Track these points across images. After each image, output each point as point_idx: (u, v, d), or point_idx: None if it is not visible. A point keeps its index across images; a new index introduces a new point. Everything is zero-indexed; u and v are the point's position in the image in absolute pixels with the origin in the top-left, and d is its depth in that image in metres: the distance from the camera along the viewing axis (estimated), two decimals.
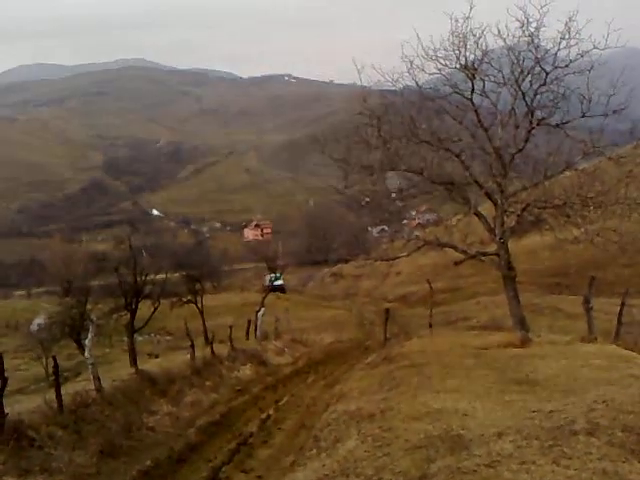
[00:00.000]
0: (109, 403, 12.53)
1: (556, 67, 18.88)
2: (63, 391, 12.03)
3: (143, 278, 21.35)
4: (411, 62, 19.86)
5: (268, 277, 77.69)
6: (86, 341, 14.79)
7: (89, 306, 26.49)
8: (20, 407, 12.34)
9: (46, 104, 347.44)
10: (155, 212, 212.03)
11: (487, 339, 16.48)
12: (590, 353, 11.20)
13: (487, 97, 20.06)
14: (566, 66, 18.78)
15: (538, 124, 19.37)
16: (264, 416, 13.86)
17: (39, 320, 43.54)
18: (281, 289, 74.12)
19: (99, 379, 13.58)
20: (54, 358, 12.31)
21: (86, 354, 14.52)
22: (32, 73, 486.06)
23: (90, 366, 13.91)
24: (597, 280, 17.66)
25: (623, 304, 16.21)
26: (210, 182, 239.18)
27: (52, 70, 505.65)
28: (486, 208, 21.91)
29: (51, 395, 11.72)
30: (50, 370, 12.72)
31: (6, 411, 9.82)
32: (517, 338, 15.20)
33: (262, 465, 10.09)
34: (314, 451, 8.33)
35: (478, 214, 20.59)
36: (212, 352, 20.54)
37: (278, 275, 79.69)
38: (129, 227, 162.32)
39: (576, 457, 5.24)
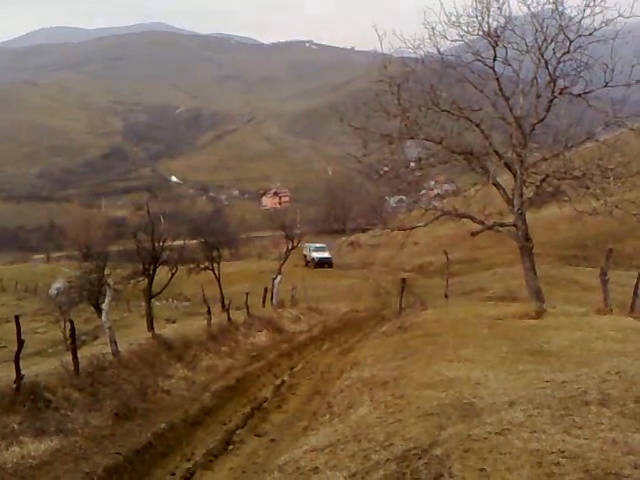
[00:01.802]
0: (125, 366, 12.68)
1: (580, 35, 18.56)
2: (80, 354, 12.20)
3: (161, 244, 21.47)
4: (433, 28, 19.62)
5: (308, 247, 64.47)
6: (103, 305, 14.94)
7: (107, 271, 26.69)
8: (37, 369, 12.57)
9: (66, 68, 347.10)
10: (174, 179, 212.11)
11: (502, 310, 16.49)
12: (605, 325, 11.17)
13: (509, 65, 19.79)
14: (590, 34, 18.45)
15: (560, 93, 19.10)
16: (279, 382, 14.02)
17: (58, 284, 43.99)
18: (328, 263, 63.33)
19: (116, 343, 13.73)
20: (71, 322, 12.48)
21: (103, 318, 14.69)
22: (52, 36, 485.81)
23: (107, 330, 14.05)
24: (614, 252, 17.54)
25: (639, 277, 16.09)
26: (229, 149, 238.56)
27: (72, 34, 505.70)
28: (505, 179, 21.74)
29: (68, 358, 11.88)
30: (68, 333, 12.89)
31: (22, 373, 9.97)
32: (532, 309, 15.19)
33: (276, 429, 10.23)
34: (327, 416, 8.43)
35: (497, 185, 20.43)
36: (228, 318, 20.70)
37: (322, 246, 67.49)
38: (148, 193, 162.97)
39: (587, 427, 5.26)
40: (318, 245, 66.39)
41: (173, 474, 8.36)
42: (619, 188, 18.36)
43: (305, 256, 64.92)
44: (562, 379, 7.14)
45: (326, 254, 64.47)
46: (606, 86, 18.28)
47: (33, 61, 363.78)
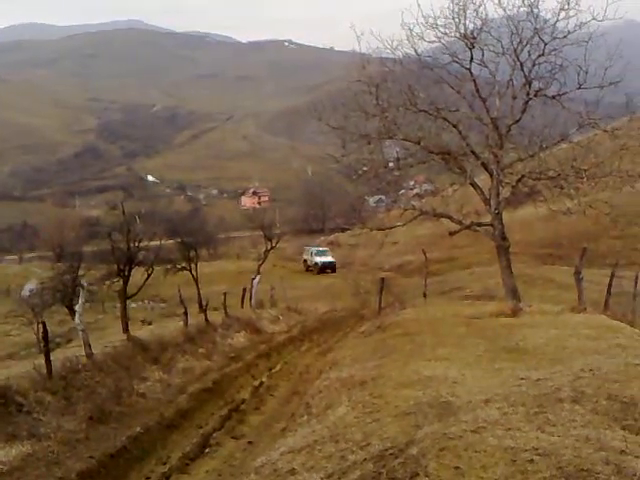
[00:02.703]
0: (99, 369, 12.54)
1: (554, 38, 18.86)
2: (53, 357, 11.97)
3: (136, 244, 21.29)
4: (411, 30, 19.79)
5: (310, 250, 61.93)
6: (77, 307, 14.78)
7: (81, 272, 26.42)
8: (9, 372, 12.32)
9: (39, 65, 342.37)
10: (150, 178, 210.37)
11: (480, 309, 16.60)
12: (579, 323, 11.31)
13: (486, 67, 20.01)
14: (564, 37, 18.76)
15: (535, 95, 19.37)
16: (257, 383, 14.01)
17: (31, 285, 43.58)
18: (331, 267, 58.38)
19: (90, 345, 13.55)
20: (44, 323, 12.31)
21: (76, 320, 14.51)
22: (25, 33, 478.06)
23: (80, 332, 13.88)
24: (589, 251, 17.75)
25: (613, 275, 16.33)
26: (207, 148, 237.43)
27: (45, 30, 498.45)
28: (482, 179, 21.94)
29: (41, 361, 11.70)
30: (40, 336, 12.73)
31: None
32: (509, 308, 15.32)
33: (253, 431, 10.22)
34: (305, 417, 8.44)
35: (474, 184, 20.62)
36: (206, 319, 20.59)
37: (324, 249, 62.36)
38: (123, 193, 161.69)
39: (560, 424, 5.32)
40: (320, 249, 61.85)
41: (148, 478, 8.32)
42: (593, 188, 18.66)
43: (305, 261, 62.23)
44: (537, 377, 7.21)
45: (329, 258, 59.83)
46: (580, 88, 18.57)
47: (5, 58, 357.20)
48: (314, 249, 61.34)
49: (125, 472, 8.43)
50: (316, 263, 58.87)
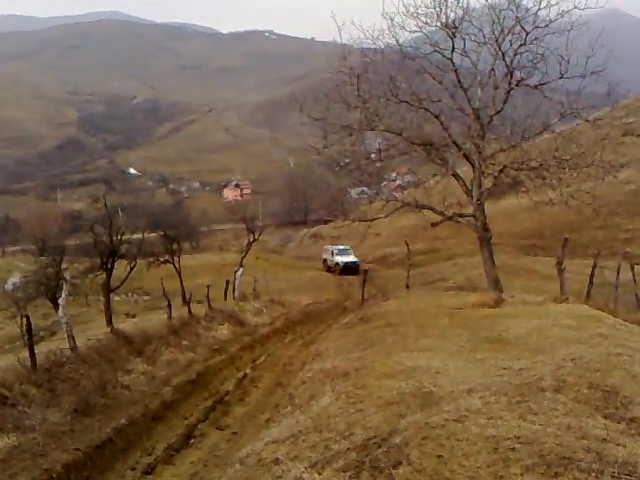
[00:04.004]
0: (84, 362, 12.48)
1: (536, 27, 18.91)
2: (38, 350, 11.93)
3: (119, 238, 21.16)
4: (392, 19, 19.76)
5: (330, 250, 56.38)
6: (60, 300, 14.69)
7: (64, 265, 26.23)
8: None
9: (19, 57, 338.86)
10: (132, 171, 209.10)
11: (462, 299, 16.70)
12: (561, 313, 11.38)
13: (467, 57, 20.06)
14: (546, 26, 18.81)
15: (517, 85, 19.43)
16: (241, 375, 13.98)
17: (14, 279, 43.33)
18: (354, 267, 50.28)
19: (73, 338, 13.49)
20: (27, 317, 12.22)
21: (60, 313, 14.43)
22: (5, 25, 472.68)
23: (64, 325, 13.80)
24: (571, 242, 17.88)
25: (595, 265, 16.44)
26: (189, 141, 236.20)
27: (26, 22, 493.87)
28: (464, 170, 22.01)
29: (25, 354, 11.64)
30: (24, 329, 12.65)
31: None
32: (491, 298, 15.42)
33: (237, 422, 10.21)
34: (289, 408, 8.44)
35: (456, 175, 20.68)
36: (189, 312, 20.53)
37: (346, 248, 54.91)
38: (105, 185, 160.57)
39: (542, 413, 5.36)
40: (342, 247, 55.39)
41: (134, 469, 8.29)
42: (575, 178, 18.76)
43: (325, 261, 57.77)
44: (519, 366, 7.26)
45: (352, 257, 53.84)
46: (562, 78, 18.65)
47: None
48: (335, 248, 55.88)
49: (110, 463, 8.41)
50: (337, 263, 53.96)
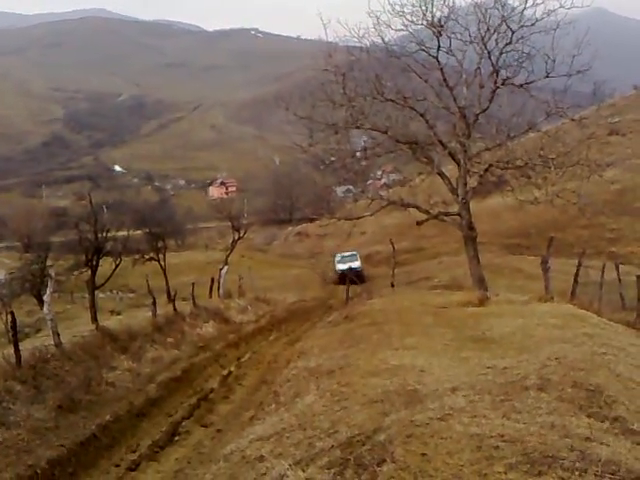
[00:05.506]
0: (68, 358, 12.42)
1: (522, 26, 18.97)
2: (22, 347, 11.87)
3: (104, 235, 21.05)
4: (377, 18, 19.77)
5: (335, 257, 49.89)
6: (45, 297, 14.61)
7: (49, 262, 26.05)
8: None
9: (3, 54, 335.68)
10: (117, 168, 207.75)
11: (447, 298, 16.73)
12: (546, 312, 11.41)
13: (453, 55, 20.10)
14: (532, 25, 18.87)
15: (503, 84, 19.48)
16: (225, 372, 13.97)
17: None
18: (358, 276, 38.85)
19: (58, 335, 13.41)
20: (12, 313, 12.14)
21: (45, 309, 14.35)
22: None
23: (49, 322, 13.73)
24: (556, 241, 17.99)
25: (580, 265, 16.54)
26: (174, 138, 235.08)
27: (10, 19, 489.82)
28: (450, 169, 22.07)
29: (9, 350, 11.58)
30: (9, 325, 12.56)
31: None
32: (476, 297, 15.45)
33: (222, 420, 10.20)
34: (273, 406, 8.43)
35: (441, 174, 20.73)
36: (174, 309, 20.45)
37: (349, 254, 48.36)
38: (90, 183, 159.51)
39: (526, 411, 5.37)
40: (346, 253, 48.71)
41: (118, 465, 8.30)
42: (560, 177, 18.84)
43: (334, 270, 49.70)
44: (503, 365, 7.28)
45: (354, 264, 45.24)
46: (547, 77, 18.73)
47: None
48: (339, 255, 49.26)
49: (95, 460, 8.43)
50: (342, 271, 43.02)
